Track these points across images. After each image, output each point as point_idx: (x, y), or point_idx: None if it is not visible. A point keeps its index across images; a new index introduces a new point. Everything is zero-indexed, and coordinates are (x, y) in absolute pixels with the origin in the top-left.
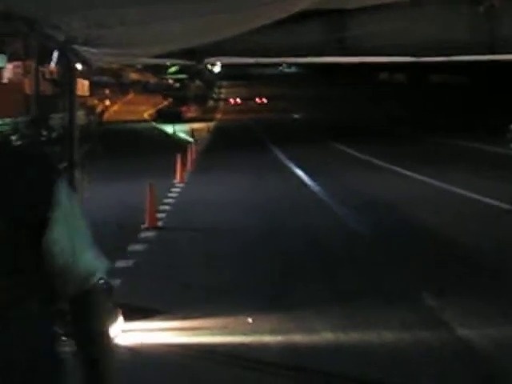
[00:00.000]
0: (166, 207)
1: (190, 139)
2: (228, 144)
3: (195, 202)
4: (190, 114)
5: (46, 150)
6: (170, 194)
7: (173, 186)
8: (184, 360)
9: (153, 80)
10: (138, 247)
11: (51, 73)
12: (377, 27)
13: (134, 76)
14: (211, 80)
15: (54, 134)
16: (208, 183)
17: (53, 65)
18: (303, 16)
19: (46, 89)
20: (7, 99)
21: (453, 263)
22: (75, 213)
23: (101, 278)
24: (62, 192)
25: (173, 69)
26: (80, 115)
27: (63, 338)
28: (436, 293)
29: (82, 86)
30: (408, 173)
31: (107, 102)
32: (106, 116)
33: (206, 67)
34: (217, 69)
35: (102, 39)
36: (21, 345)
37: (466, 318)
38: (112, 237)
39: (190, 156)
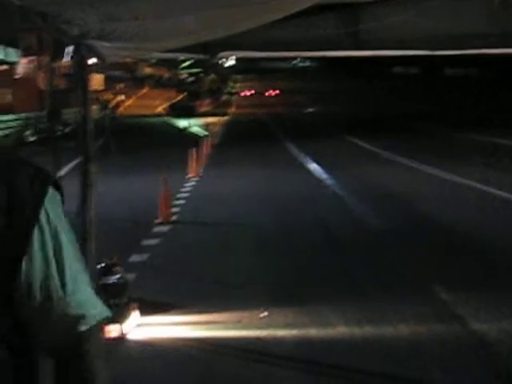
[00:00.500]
0: (180, 201)
1: (204, 133)
2: (242, 138)
3: (209, 197)
4: (203, 108)
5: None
6: (183, 189)
7: (186, 180)
8: (199, 354)
9: (167, 74)
10: (152, 241)
11: (65, 67)
12: (390, 20)
13: (147, 70)
14: (225, 74)
15: (68, 129)
16: (222, 177)
17: (66, 59)
18: (316, 10)
19: (60, 83)
20: (21, 94)
21: (468, 257)
22: (61, 237)
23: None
24: (47, 210)
25: (186, 63)
26: (94, 110)
27: None
28: (450, 287)
29: (96, 81)
30: (423, 167)
31: (121, 97)
32: (120, 110)
33: (219, 61)
34: (230, 63)
35: (115, 33)
36: None
37: (480, 312)
38: (126, 231)
39: (204, 150)
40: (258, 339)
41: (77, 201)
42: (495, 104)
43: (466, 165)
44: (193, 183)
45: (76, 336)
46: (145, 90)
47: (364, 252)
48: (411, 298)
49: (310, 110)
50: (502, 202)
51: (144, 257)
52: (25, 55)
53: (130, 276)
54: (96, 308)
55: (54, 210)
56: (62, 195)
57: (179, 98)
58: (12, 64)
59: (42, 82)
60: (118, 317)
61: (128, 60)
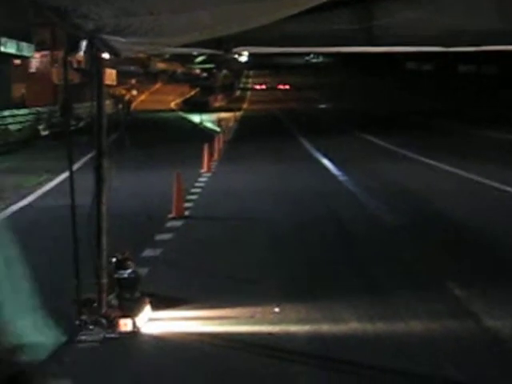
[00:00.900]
0: (193, 197)
1: (217, 129)
2: (255, 134)
3: (222, 192)
4: (216, 104)
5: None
6: (196, 184)
7: (200, 175)
8: (211, 349)
9: (180, 70)
10: (165, 236)
11: (78, 62)
12: (404, 16)
13: (161, 66)
14: (238, 70)
15: (81, 123)
16: (235, 173)
17: (81, 54)
18: (330, 5)
19: (74, 78)
20: (34, 88)
21: (481, 254)
22: None
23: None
24: None
25: (200, 58)
26: (108, 104)
27: (90, 327)
28: (464, 283)
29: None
30: (437, 164)
31: (134, 92)
32: (133, 105)
33: (233, 57)
34: (244, 58)
35: (130, 28)
36: None
37: (494, 309)
38: (140, 226)
39: (217, 145)
40: (270, 334)
41: (90, 195)
42: (511, 101)
43: (481, 162)
44: (206, 178)
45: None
46: (158, 85)
47: (377, 248)
48: (424, 294)
49: (323, 106)
50: None
51: (157, 252)
52: (38, 50)
53: (143, 271)
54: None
55: None
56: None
57: (192, 93)
58: (26, 58)
59: (55, 76)
60: (131, 311)
61: (141, 55)
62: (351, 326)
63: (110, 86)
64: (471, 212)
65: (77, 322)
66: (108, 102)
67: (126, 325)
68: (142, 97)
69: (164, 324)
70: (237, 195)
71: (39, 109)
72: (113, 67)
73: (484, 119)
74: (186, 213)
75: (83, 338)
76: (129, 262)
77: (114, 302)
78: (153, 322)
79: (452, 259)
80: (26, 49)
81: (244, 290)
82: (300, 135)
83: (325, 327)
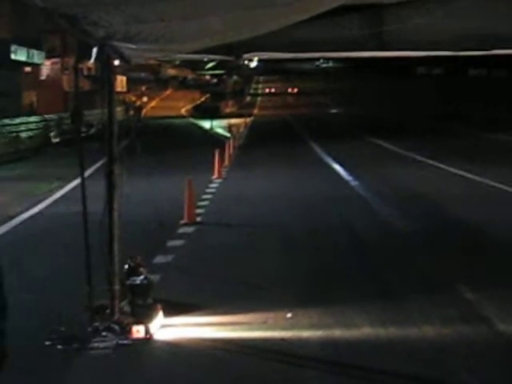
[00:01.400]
0: (205, 203)
1: (228, 135)
2: (266, 139)
3: (233, 198)
4: (227, 110)
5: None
6: (208, 190)
7: (211, 181)
8: (224, 355)
9: (190, 76)
10: (177, 243)
11: (89, 69)
12: (414, 21)
13: (171, 72)
14: (248, 75)
15: (92, 130)
16: (246, 179)
17: (91, 61)
18: (340, 11)
19: (84, 85)
20: (45, 96)
21: (493, 259)
22: None
23: None
24: None
25: (210, 64)
26: (118, 111)
27: (103, 333)
28: (476, 288)
29: (121, 83)
30: (449, 168)
31: (145, 99)
32: (144, 112)
33: (243, 62)
34: (254, 64)
35: (141, 35)
36: None
37: (507, 313)
38: (152, 232)
39: (228, 151)
40: (283, 340)
41: (101, 202)
42: None
43: (490, 166)
44: (217, 184)
45: None
46: (168, 92)
47: (389, 253)
48: (436, 298)
49: (334, 110)
50: None
51: (169, 258)
52: (49, 57)
53: (155, 277)
54: None
55: None
56: None
57: (203, 99)
58: (36, 66)
59: (66, 83)
60: (143, 318)
61: (151, 61)
62: (363, 330)
63: (120, 93)
64: (482, 216)
65: (89, 329)
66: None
67: (138, 331)
68: (153, 103)
69: (177, 330)
70: (248, 201)
71: (50, 116)
72: (123, 74)
73: (493, 122)
74: (198, 219)
75: (96, 344)
76: (141, 269)
77: (127, 308)
78: (165, 328)
79: (465, 263)
80: (37, 56)
81: (256, 296)
82: (311, 140)
83: (337, 332)
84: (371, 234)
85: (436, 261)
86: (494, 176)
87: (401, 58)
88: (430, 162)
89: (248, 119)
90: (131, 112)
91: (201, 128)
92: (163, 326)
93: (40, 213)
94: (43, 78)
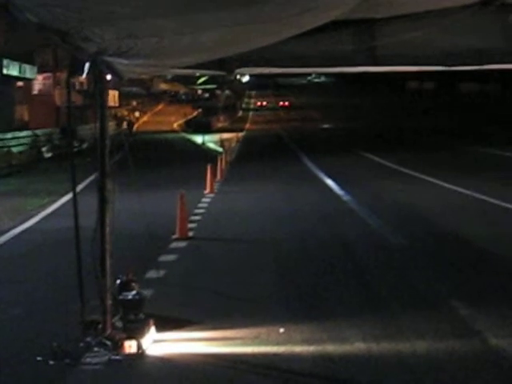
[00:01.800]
0: (197, 217)
1: (220, 149)
2: (257, 154)
3: (225, 213)
4: (219, 124)
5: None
6: (200, 205)
7: (203, 196)
8: (216, 370)
9: (182, 90)
10: (169, 257)
11: (81, 84)
12: (406, 36)
13: (163, 86)
14: (240, 90)
15: (85, 145)
16: (238, 193)
17: (83, 76)
18: (333, 26)
19: (76, 100)
20: (37, 110)
21: (486, 273)
22: None
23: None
24: None
25: (202, 79)
26: (111, 126)
27: (95, 349)
28: (469, 302)
29: (113, 97)
30: (441, 182)
31: (137, 113)
32: (135, 126)
33: (235, 77)
34: (245, 79)
35: (133, 50)
36: None
37: (499, 328)
38: (143, 247)
39: (220, 166)
40: (275, 355)
41: (93, 217)
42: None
43: (487, 180)
44: (209, 199)
45: None
46: (160, 106)
47: (381, 267)
48: (429, 313)
49: (326, 125)
50: None
51: (161, 273)
52: (41, 72)
53: (147, 292)
54: None
55: None
56: None
57: (195, 114)
58: (28, 80)
59: (58, 98)
60: (135, 333)
61: (144, 76)
62: (356, 346)
63: (112, 108)
64: (475, 230)
65: (81, 344)
66: (111, 124)
67: (130, 347)
68: (145, 118)
69: (169, 345)
70: (240, 216)
71: (40, 131)
72: (115, 88)
73: (487, 137)
74: (190, 233)
75: (88, 360)
76: (133, 284)
77: (119, 323)
78: (157, 344)
79: (457, 278)
80: (29, 71)
81: (249, 311)
82: (303, 155)
83: (330, 347)
84: (363, 249)
85: (428, 276)
86: (488, 191)
87: (393, 72)
88: (423, 176)
89: (240, 134)
90: (124, 127)
91: (193, 143)
92: (155, 342)
93: (31, 228)
94: (35, 92)
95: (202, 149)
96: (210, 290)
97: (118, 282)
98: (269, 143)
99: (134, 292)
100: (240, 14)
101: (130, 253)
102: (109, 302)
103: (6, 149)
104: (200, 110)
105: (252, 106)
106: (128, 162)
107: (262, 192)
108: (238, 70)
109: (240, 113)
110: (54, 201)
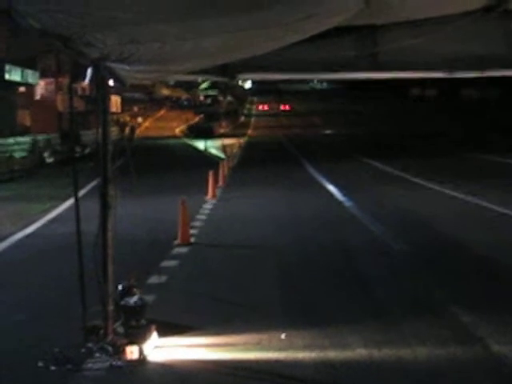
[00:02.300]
0: (198, 223)
1: (222, 155)
2: (259, 160)
3: (227, 218)
4: (221, 130)
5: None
6: (202, 210)
7: (205, 202)
8: (218, 376)
9: (184, 96)
10: (170, 263)
11: (83, 89)
12: (408, 42)
13: (165, 92)
14: (242, 96)
15: (87, 150)
16: (240, 199)
17: (85, 82)
18: (335, 32)
19: (79, 105)
20: (39, 116)
21: (488, 280)
22: None
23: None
24: None
25: (204, 85)
26: (113, 131)
27: (97, 354)
28: (471, 309)
29: (115, 103)
30: (443, 188)
31: (139, 119)
32: (137, 132)
33: (237, 83)
34: (248, 84)
35: (135, 56)
36: None
37: (500, 335)
38: (145, 253)
39: (222, 172)
40: (277, 361)
41: (95, 222)
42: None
43: (491, 187)
44: (211, 205)
45: None
46: (162, 112)
47: (383, 273)
48: (431, 319)
49: (328, 131)
50: None
51: (163, 278)
52: (43, 77)
53: (149, 298)
54: None
55: None
56: None
57: (197, 119)
58: (30, 86)
59: (60, 104)
60: (137, 339)
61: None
62: (358, 352)
63: (114, 113)
64: (476, 236)
65: (83, 350)
66: (113, 129)
67: (132, 352)
68: (147, 123)
69: (170, 351)
70: (242, 222)
71: (42, 136)
72: (117, 94)
73: (490, 144)
74: (192, 239)
75: (89, 365)
76: (135, 289)
77: (120, 329)
78: (159, 349)
79: (459, 284)
80: (31, 76)
81: (250, 317)
82: (305, 161)
83: (331, 353)
84: (365, 255)
85: (430, 282)
86: (490, 198)
87: (395, 79)
88: (424, 182)
89: (242, 140)
90: (126, 132)
91: (195, 148)
92: (157, 347)
93: (34, 233)
94: (37, 97)
95: (203, 154)
96: (211, 295)
97: (120, 287)
98: (270, 149)
99: (135, 298)
100: (242, 20)
101: (132, 258)
102: (111, 307)
103: (8, 154)
104: (202, 116)
105: (254, 112)
106: (130, 167)
107: (264, 198)
108: (240, 76)
109: (242, 119)
110: (56, 206)
